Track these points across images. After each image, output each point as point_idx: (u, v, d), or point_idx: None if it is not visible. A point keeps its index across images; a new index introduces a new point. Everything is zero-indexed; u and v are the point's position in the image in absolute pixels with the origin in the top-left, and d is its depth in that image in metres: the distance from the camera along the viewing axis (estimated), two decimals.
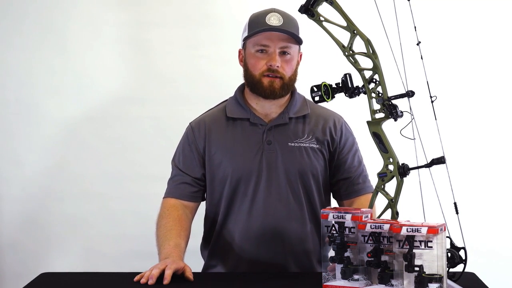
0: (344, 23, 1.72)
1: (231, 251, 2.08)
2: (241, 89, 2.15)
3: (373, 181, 1.73)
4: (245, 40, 2.06)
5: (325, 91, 1.76)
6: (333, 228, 1.63)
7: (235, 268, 2.07)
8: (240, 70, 2.12)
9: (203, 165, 2.11)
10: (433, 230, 1.49)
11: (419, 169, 1.67)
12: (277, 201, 2.04)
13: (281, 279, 1.88)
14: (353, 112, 2.22)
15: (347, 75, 1.75)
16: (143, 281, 1.75)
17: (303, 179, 2.07)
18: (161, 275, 1.76)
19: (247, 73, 2.07)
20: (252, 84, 2.05)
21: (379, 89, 1.70)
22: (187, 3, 2.90)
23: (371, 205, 1.72)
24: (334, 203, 2.21)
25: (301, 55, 2.11)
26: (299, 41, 2.03)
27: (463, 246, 1.61)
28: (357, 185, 2.13)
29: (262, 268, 2.04)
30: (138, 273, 1.79)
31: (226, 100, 2.17)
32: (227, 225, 2.09)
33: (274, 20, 2.00)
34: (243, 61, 2.10)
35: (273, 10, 2.04)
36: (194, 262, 1.96)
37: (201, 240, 2.20)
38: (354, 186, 2.13)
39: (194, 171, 2.10)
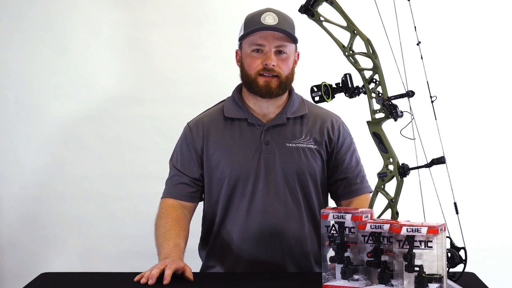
0: (344, 23, 1.72)
1: (229, 252, 2.07)
2: (238, 89, 2.15)
3: (373, 181, 1.73)
4: (241, 40, 2.07)
5: (325, 91, 1.76)
6: (333, 228, 1.63)
7: (233, 268, 2.07)
8: None
9: (201, 165, 2.10)
10: (433, 230, 1.49)
11: (419, 169, 1.67)
12: (275, 202, 2.04)
13: (281, 280, 1.88)
14: (353, 112, 2.22)
15: (347, 75, 1.75)
16: (143, 281, 1.75)
17: (301, 179, 2.07)
18: (161, 275, 1.76)
19: (243, 73, 2.07)
20: (248, 83, 2.05)
21: (379, 89, 1.70)
22: (187, 3, 2.89)
23: (371, 205, 1.72)
24: (331, 203, 2.21)
25: (298, 55, 2.10)
26: (294, 40, 2.03)
27: (463, 246, 1.61)
28: (354, 185, 2.13)
29: (260, 268, 2.04)
30: (138, 273, 1.79)
31: (224, 100, 2.17)
32: (225, 225, 2.09)
33: (269, 19, 2.00)
34: (240, 61, 2.10)
35: (268, 10, 2.04)
36: (193, 263, 1.96)
37: (199, 241, 2.20)
38: (351, 186, 2.13)
39: (192, 171, 2.10)
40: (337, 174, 2.14)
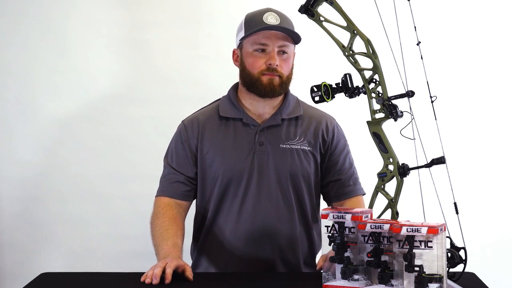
0: (344, 23, 1.72)
1: (220, 249, 2.07)
2: (234, 88, 2.14)
3: (373, 181, 1.73)
4: (242, 39, 2.06)
5: (325, 91, 1.76)
6: (333, 228, 1.63)
7: (224, 265, 2.07)
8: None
9: (195, 163, 2.10)
10: (433, 230, 1.49)
11: (419, 169, 1.67)
12: (267, 202, 2.04)
13: (280, 280, 1.88)
14: (353, 112, 2.22)
15: (347, 75, 1.75)
16: (148, 281, 1.74)
17: (294, 181, 2.06)
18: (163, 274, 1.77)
19: (245, 73, 2.05)
20: (250, 83, 2.04)
21: (379, 89, 1.70)
22: (186, 3, 2.89)
23: (371, 205, 1.72)
24: (324, 205, 2.19)
25: (294, 55, 2.10)
26: (296, 40, 2.02)
27: (463, 246, 1.61)
28: (347, 187, 2.12)
29: (250, 267, 2.03)
30: (138, 273, 1.80)
31: (219, 99, 2.17)
32: (217, 223, 2.08)
33: (271, 19, 2.00)
34: (239, 60, 2.09)
35: (269, 10, 2.04)
36: (189, 263, 1.95)
37: (191, 239, 2.19)
38: (344, 188, 2.12)
39: (188, 170, 2.10)
40: (330, 175, 2.13)
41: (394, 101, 1.69)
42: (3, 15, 2.85)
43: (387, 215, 1.70)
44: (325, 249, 1.66)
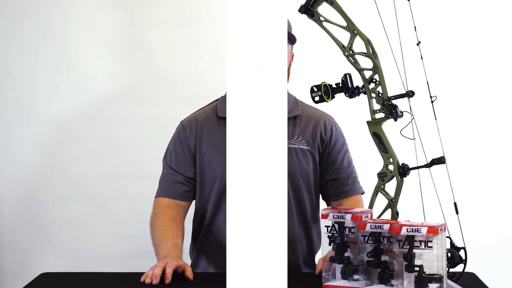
0: (344, 23, 1.72)
1: (219, 250, 2.06)
2: None
3: (373, 181, 1.73)
4: None
5: (325, 91, 1.76)
6: (333, 228, 1.63)
7: (223, 267, 2.06)
8: None
9: (194, 164, 2.10)
10: (433, 230, 1.49)
11: (419, 169, 1.67)
12: None
13: None
14: (353, 112, 2.22)
15: (347, 75, 1.75)
16: (147, 281, 1.75)
17: (293, 180, 2.06)
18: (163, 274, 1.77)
19: None
20: None
21: (379, 89, 1.70)
22: (186, 3, 2.89)
23: (371, 205, 1.72)
24: (323, 205, 2.19)
25: (293, 56, 2.10)
26: (292, 40, 2.02)
27: (463, 246, 1.61)
28: (346, 186, 2.12)
29: None
30: (138, 273, 1.80)
31: (218, 99, 2.17)
32: (215, 224, 2.08)
33: None
34: None
35: None
36: (188, 263, 1.95)
37: (191, 239, 2.19)
38: (343, 187, 2.12)
39: (187, 170, 2.10)
40: (329, 174, 2.13)
41: (394, 101, 1.69)
42: (3, 15, 2.85)
43: (387, 215, 1.70)
44: (325, 249, 1.66)
